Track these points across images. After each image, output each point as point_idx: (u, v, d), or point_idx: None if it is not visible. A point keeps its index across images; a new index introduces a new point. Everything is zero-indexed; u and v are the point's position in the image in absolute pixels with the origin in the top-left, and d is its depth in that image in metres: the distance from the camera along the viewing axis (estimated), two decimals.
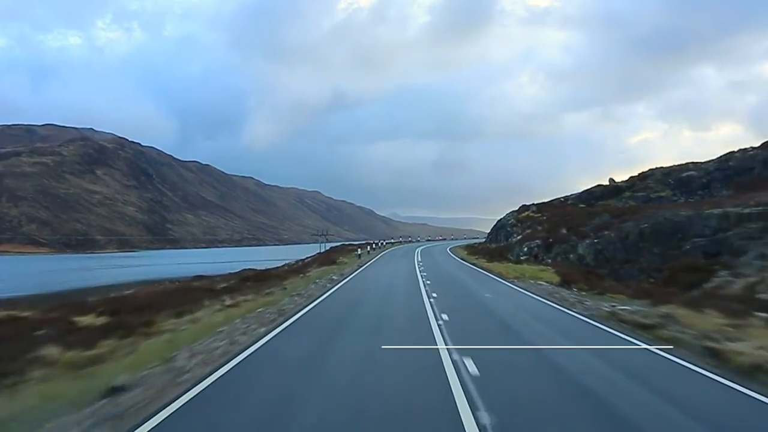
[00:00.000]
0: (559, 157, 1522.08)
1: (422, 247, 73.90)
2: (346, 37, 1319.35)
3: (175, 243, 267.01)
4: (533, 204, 60.11)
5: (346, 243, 78.04)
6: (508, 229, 57.93)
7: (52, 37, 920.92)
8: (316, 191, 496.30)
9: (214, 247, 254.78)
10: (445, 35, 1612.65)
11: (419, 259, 45.90)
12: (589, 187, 62.80)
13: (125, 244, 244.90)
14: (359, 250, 48.37)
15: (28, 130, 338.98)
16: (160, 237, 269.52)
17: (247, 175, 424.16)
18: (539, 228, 49.16)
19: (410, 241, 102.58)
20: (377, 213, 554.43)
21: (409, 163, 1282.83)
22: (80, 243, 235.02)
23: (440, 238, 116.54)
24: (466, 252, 56.09)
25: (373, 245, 62.86)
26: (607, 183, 62.83)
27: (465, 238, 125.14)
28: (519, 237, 50.10)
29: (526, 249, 40.39)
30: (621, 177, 65.52)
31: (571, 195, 64.98)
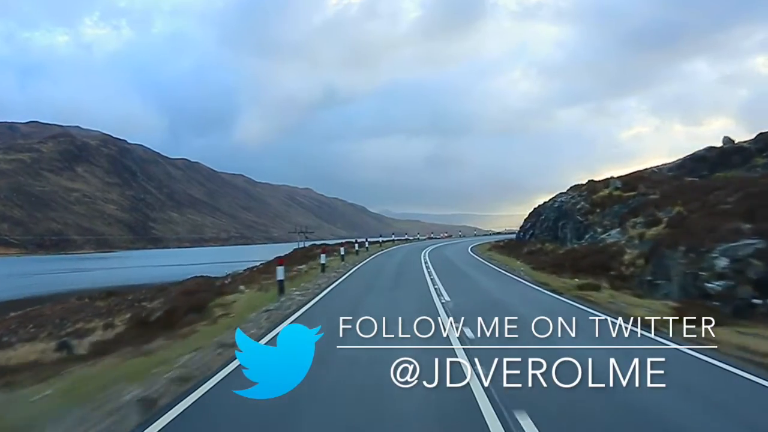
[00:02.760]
0: (552, 152, 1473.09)
1: (429, 250, 37.95)
2: (337, 33, 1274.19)
3: (157, 242, 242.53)
4: (612, 177, 34.64)
5: (318, 243, 51.75)
6: (579, 218, 31.76)
7: (39, 34, 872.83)
8: (308, 188, 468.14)
9: (199, 246, 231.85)
10: (436, 30, 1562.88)
11: (449, 304, 13.37)
12: (693, 152, 37.27)
13: (104, 244, 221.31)
14: (303, 266, 17.25)
15: (11, 127, 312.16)
16: (142, 236, 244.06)
17: (237, 173, 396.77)
18: (659, 212, 23.66)
19: (407, 240, 69.75)
20: (369, 210, 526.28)
21: (402, 160, 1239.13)
22: (54, 243, 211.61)
23: (445, 235, 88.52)
24: (522, 262, 23.91)
25: (348, 248, 33.84)
26: (722, 144, 37.30)
27: (475, 235, 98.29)
28: (621, 232, 24.56)
29: (724, 263, 14.62)
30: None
31: (663, 165, 39.63)
